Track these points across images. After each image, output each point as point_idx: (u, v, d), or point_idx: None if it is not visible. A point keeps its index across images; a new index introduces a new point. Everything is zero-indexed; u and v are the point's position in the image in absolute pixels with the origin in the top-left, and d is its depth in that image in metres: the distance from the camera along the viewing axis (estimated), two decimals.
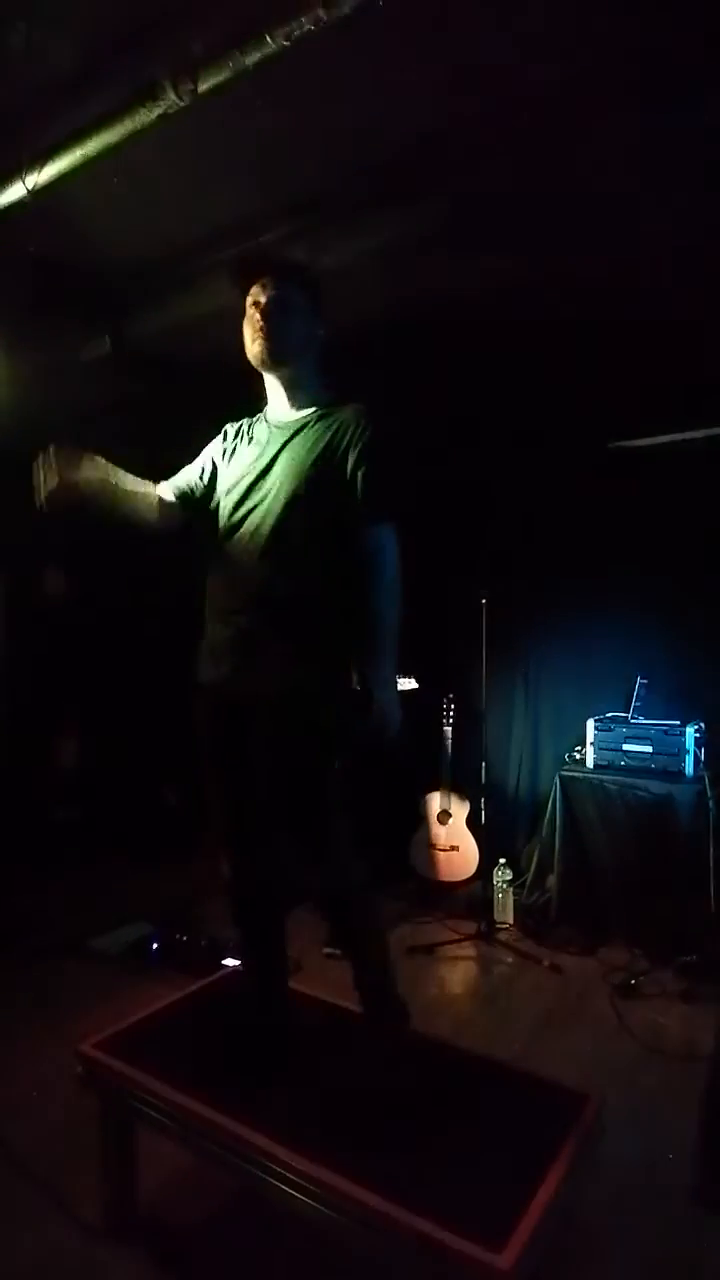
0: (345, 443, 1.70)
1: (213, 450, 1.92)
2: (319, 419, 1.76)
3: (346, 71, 2.07)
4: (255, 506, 1.73)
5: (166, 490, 1.91)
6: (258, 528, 1.71)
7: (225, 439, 1.91)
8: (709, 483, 3.36)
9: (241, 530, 1.74)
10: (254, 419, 1.90)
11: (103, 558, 4.68)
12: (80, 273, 3.07)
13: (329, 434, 1.72)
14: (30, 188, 2.18)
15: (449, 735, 3.71)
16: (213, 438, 1.99)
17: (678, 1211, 1.79)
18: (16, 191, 2.21)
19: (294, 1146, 1.42)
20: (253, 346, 1.76)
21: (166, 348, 3.43)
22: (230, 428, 1.93)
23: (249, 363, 1.88)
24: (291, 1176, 1.39)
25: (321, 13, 1.73)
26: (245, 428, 1.90)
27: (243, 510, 1.75)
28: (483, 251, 2.80)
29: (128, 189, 2.50)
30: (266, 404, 1.88)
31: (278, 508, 1.70)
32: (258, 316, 1.73)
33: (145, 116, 1.99)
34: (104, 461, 1.77)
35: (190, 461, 1.99)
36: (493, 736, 3.74)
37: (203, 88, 1.92)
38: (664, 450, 3.44)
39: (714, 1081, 2.24)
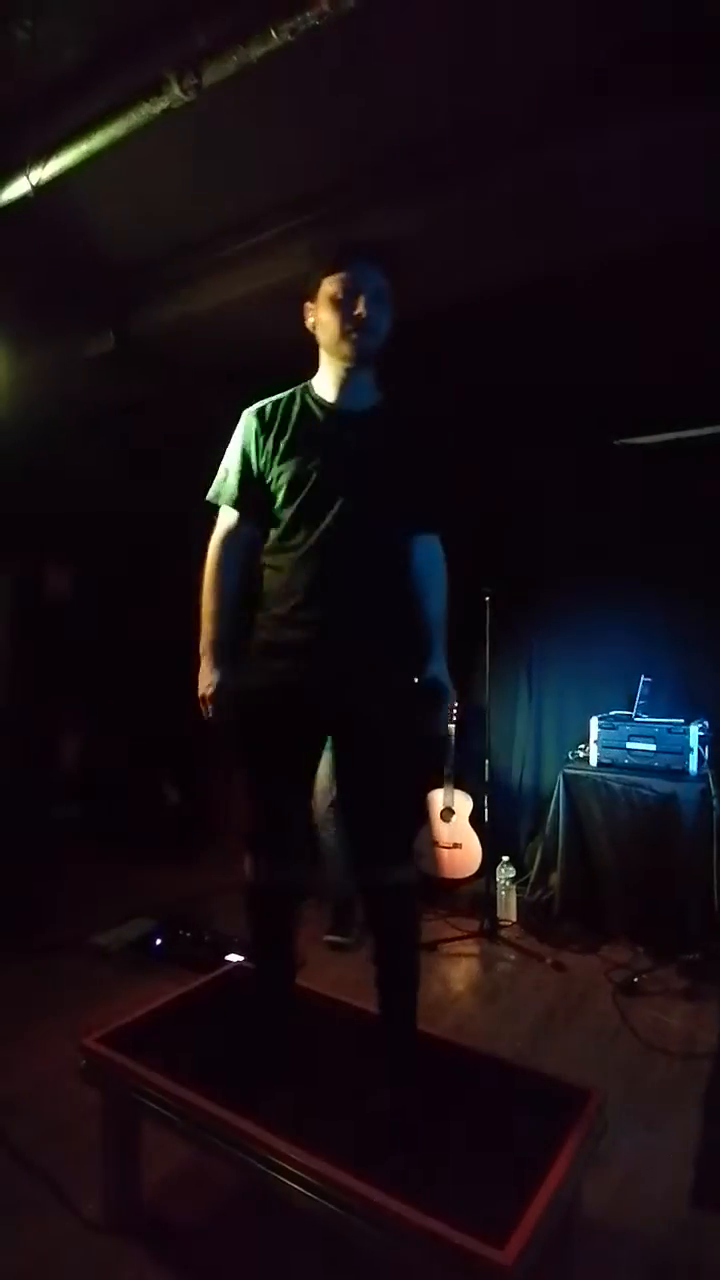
0: (420, 446, 1.71)
1: (252, 443, 1.74)
2: (388, 414, 1.72)
3: (351, 66, 2.07)
4: (340, 505, 1.64)
5: (238, 524, 1.78)
6: (342, 528, 1.64)
7: (261, 429, 1.73)
8: (715, 480, 3.35)
9: (318, 523, 1.64)
10: (285, 399, 1.76)
11: (105, 556, 4.69)
12: (83, 267, 3.07)
13: (404, 433, 1.71)
14: (35, 183, 2.18)
15: (452, 732, 3.71)
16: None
17: (679, 1210, 1.79)
18: (21, 187, 2.21)
19: (297, 1141, 1.42)
20: (345, 339, 1.64)
21: (171, 344, 3.42)
22: (264, 410, 1.75)
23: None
24: (294, 1171, 1.39)
25: (326, 7, 1.73)
26: (284, 411, 1.73)
27: (326, 506, 1.64)
28: (486, 249, 2.79)
29: (133, 184, 2.50)
30: (311, 383, 1.76)
31: (361, 502, 1.65)
32: (359, 307, 1.62)
33: (150, 111, 1.99)
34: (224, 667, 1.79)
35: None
36: (496, 734, 3.74)
37: (207, 82, 1.92)
38: (670, 447, 3.43)
39: (716, 1080, 2.24)
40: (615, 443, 3.54)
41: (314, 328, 1.73)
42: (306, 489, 1.66)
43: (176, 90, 1.93)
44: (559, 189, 2.40)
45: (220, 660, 1.77)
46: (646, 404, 3.48)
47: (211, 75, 1.91)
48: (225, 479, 1.78)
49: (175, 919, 3.24)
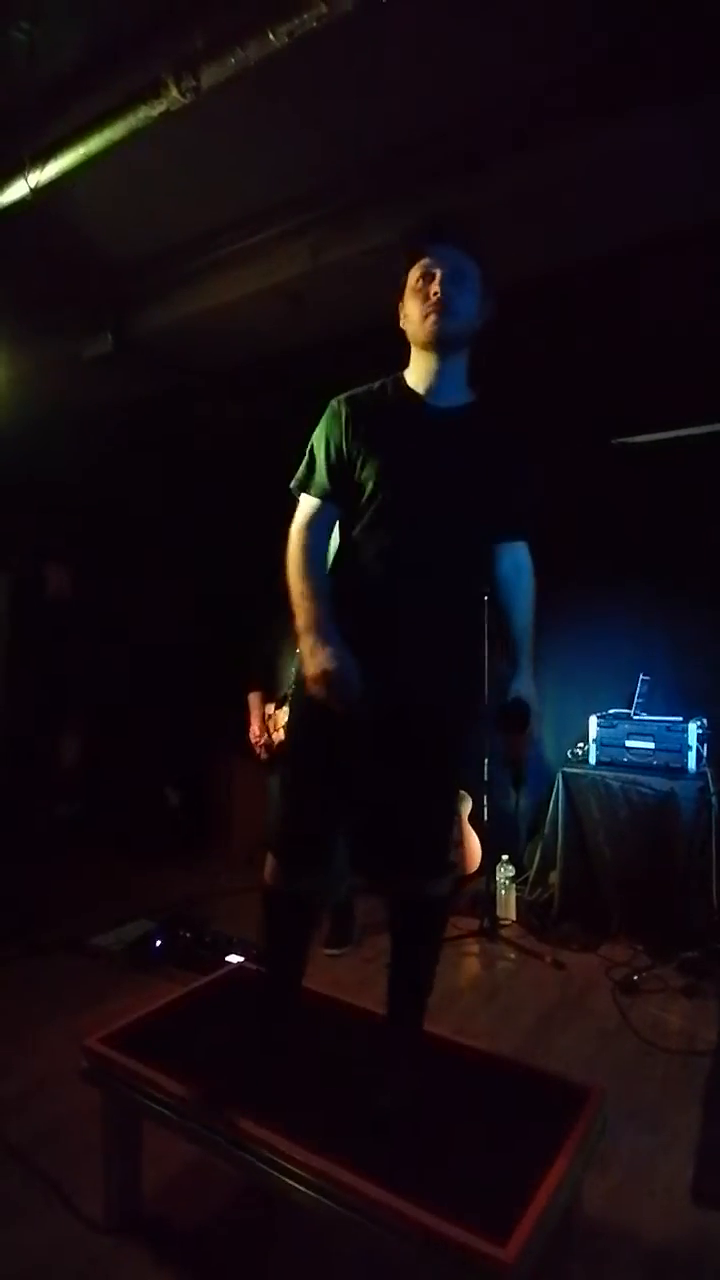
0: (515, 448, 1.67)
1: (341, 432, 1.63)
2: (483, 413, 1.65)
3: (348, 68, 2.08)
4: (424, 504, 1.58)
5: (324, 513, 1.67)
6: (442, 526, 1.58)
7: (351, 418, 1.63)
8: (713, 478, 3.36)
9: (403, 521, 1.58)
10: (377, 391, 1.67)
11: (107, 556, 4.69)
12: (82, 269, 3.07)
13: (497, 434, 1.66)
14: (33, 185, 2.18)
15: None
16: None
17: (680, 1207, 1.79)
18: (19, 189, 2.21)
19: (299, 1140, 1.43)
20: (423, 321, 1.56)
21: (169, 345, 3.43)
22: (350, 403, 1.66)
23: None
24: (296, 1170, 1.40)
25: (324, 9, 1.74)
26: (375, 402, 1.66)
27: (419, 503, 1.58)
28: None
29: (131, 186, 2.51)
30: (401, 376, 1.68)
31: (457, 501, 1.59)
32: (434, 289, 1.54)
33: (148, 114, 1.99)
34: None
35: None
36: (494, 733, 3.73)
37: (205, 84, 1.93)
38: (667, 446, 3.43)
39: (716, 1077, 2.25)
40: (613, 441, 3.55)
41: (404, 323, 1.64)
42: (395, 484, 1.59)
43: (175, 93, 1.94)
44: (555, 188, 2.41)
45: (331, 636, 1.54)
46: (644, 403, 3.49)
47: (210, 78, 1.92)
48: (313, 467, 1.67)
49: (176, 920, 3.24)
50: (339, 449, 1.63)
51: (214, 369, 3.57)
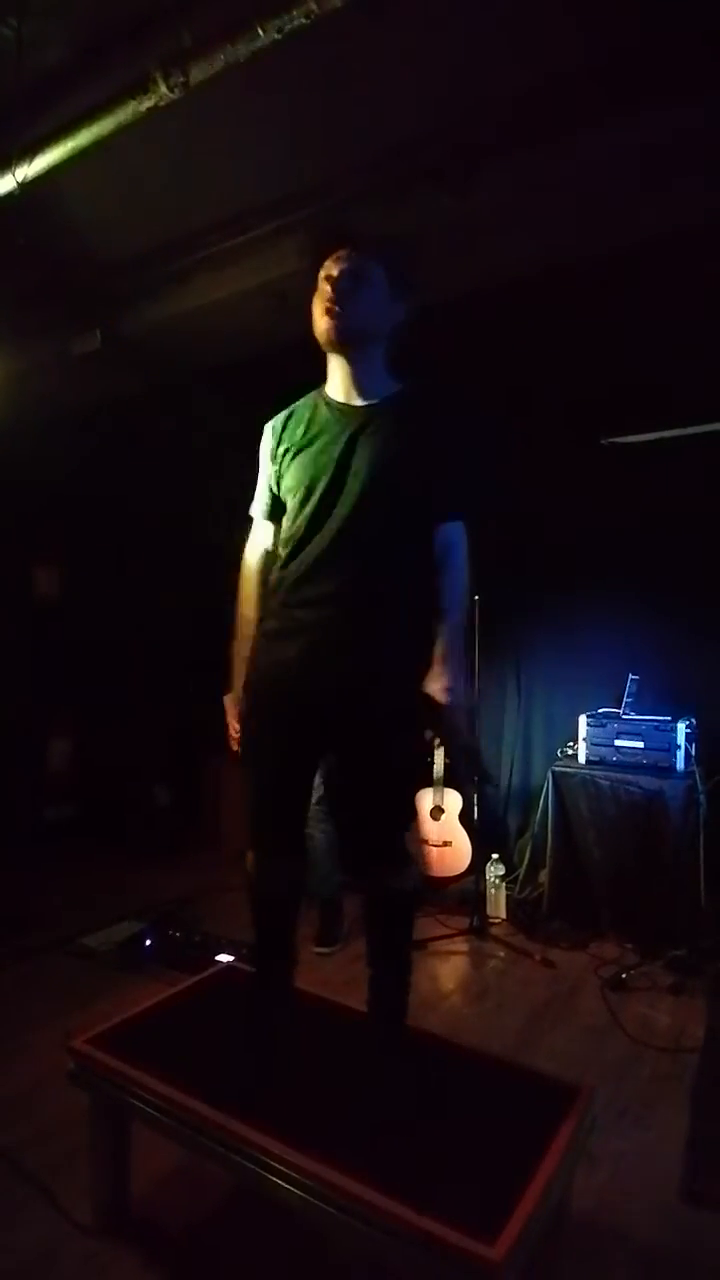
0: (427, 433, 1.63)
1: (268, 453, 1.78)
2: (395, 406, 1.66)
3: (339, 64, 2.07)
4: (332, 501, 1.62)
5: (267, 534, 1.81)
6: (336, 524, 1.62)
7: (275, 435, 1.76)
8: (701, 479, 3.37)
9: (317, 526, 1.63)
10: (304, 404, 1.76)
11: (95, 556, 4.67)
12: (71, 266, 3.06)
13: (408, 423, 1.63)
14: (20, 180, 2.17)
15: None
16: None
17: (668, 1204, 1.80)
18: (6, 184, 2.20)
19: (286, 1140, 1.42)
20: (319, 323, 1.62)
21: (159, 342, 3.41)
22: (277, 422, 1.77)
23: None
24: (284, 1170, 1.39)
25: (314, 6, 1.73)
26: (298, 417, 1.74)
27: (316, 506, 1.64)
28: (475, 248, 2.80)
29: (119, 182, 2.49)
30: (324, 386, 1.74)
31: (357, 502, 1.61)
32: (328, 290, 1.60)
33: (136, 109, 1.98)
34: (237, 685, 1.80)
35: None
36: (485, 732, 3.75)
37: (194, 80, 1.92)
38: (656, 446, 3.44)
39: (704, 1075, 2.26)
40: (602, 441, 3.56)
41: (314, 323, 1.68)
42: (309, 490, 1.65)
43: (163, 88, 1.93)
44: (548, 187, 2.41)
45: (238, 674, 1.76)
46: (632, 402, 3.50)
47: (198, 73, 1.91)
48: (258, 492, 1.81)
49: (165, 920, 3.23)
50: (268, 470, 1.76)
51: (204, 366, 3.56)
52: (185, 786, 4.70)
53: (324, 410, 1.70)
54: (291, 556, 1.67)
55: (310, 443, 1.68)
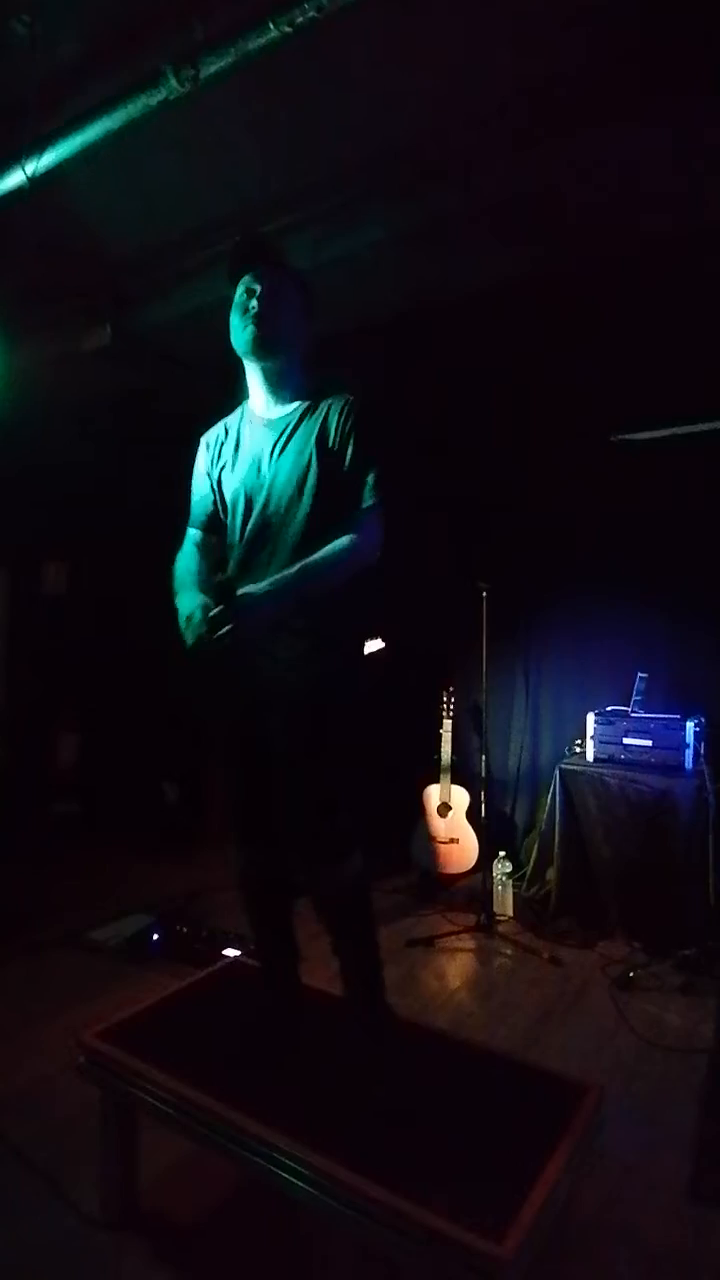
0: (335, 432, 1.68)
1: (203, 467, 1.87)
2: (307, 412, 1.73)
3: (349, 60, 2.06)
4: (261, 512, 1.70)
5: (195, 540, 1.89)
6: (267, 533, 1.69)
7: (208, 450, 1.86)
8: (711, 476, 3.35)
9: (251, 538, 1.71)
10: (230, 421, 1.86)
11: (104, 551, 4.68)
12: (81, 261, 3.06)
13: (319, 426, 1.69)
14: (30, 174, 2.17)
15: (449, 728, 3.71)
16: (209, 430, 1.94)
17: (676, 1204, 1.80)
18: (16, 179, 2.20)
19: (296, 1136, 1.43)
20: (242, 333, 1.71)
21: (169, 338, 3.41)
22: (209, 437, 1.87)
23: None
24: (293, 1165, 1.39)
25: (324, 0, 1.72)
26: (225, 433, 1.84)
27: (247, 517, 1.72)
28: (483, 244, 2.79)
29: (131, 177, 2.49)
30: (245, 401, 1.84)
31: (284, 511, 1.68)
32: (252, 303, 1.69)
33: (146, 103, 1.98)
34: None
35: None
36: (493, 729, 3.74)
37: (204, 74, 1.91)
38: (666, 443, 3.43)
39: (713, 1075, 2.25)
40: (612, 439, 3.54)
41: (232, 337, 1.76)
42: (236, 504, 1.75)
43: (174, 82, 1.92)
44: (554, 187, 2.39)
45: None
46: (644, 400, 3.48)
47: (209, 68, 1.90)
48: (191, 501, 1.91)
49: (173, 915, 3.24)
50: (197, 482, 1.88)
51: (213, 362, 3.56)
52: (192, 782, 4.71)
53: (246, 425, 1.81)
54: (233, 568, 1.76)
55: (236, 458, 1.79)
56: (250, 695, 1.72)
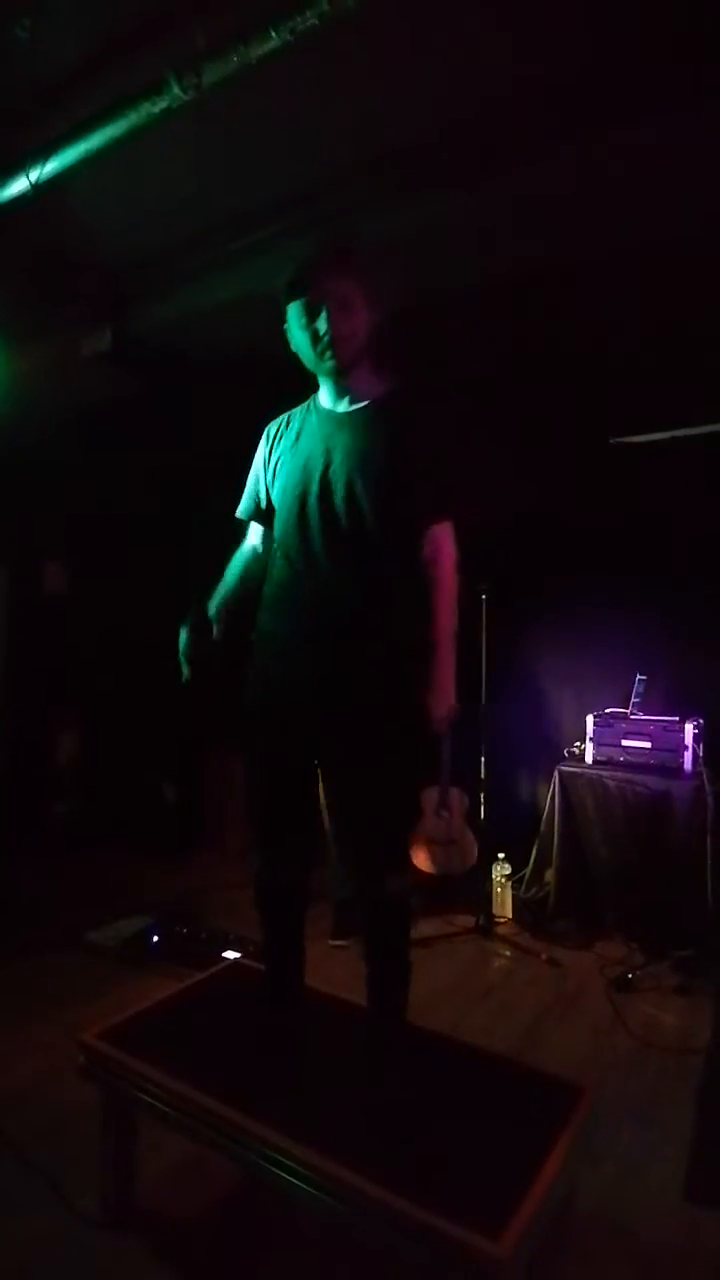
0: (408, 434, 1.64)
1: (262, 455, 1.84)
2: (378, 409, 1.68)
3: (351, 65, 2.07)
4: (318, 503, 1.65)
5: (255, 534, 1.90)
6: (321, 525, 1.64)
7: (269, 440, 1.84)
8: (709, 478, 3.37)
9: (304, 530, 1.66)
10: (299, 411, 1.82)
11: (104, 553, 4.69)
12: (82, 267, 3.07)
13: (390, 425, 1.65)
14: (33, 181, 2.18)
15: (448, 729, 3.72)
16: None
17: (672, 1204, 1.81)
18: (20, 185, 2.21)
19: (295, 1135, 1.44)
20: (319, 362, 1.67)
21: (169, 342, 3.42)
22: (272, 426, 1.85)
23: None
24: (292, 1165, 1.40)
25: (327, 7, 1.73)
26: (289, 422, 1.81)
27: (300, 510, 1.67)
28: (484, 247, 2.80)
29: (132, 183, 2.50)
30: (316, 393, 1.80)
31: (337, 505, 1.63)
32: (322, 323, 1.63)
33: (150, 110, 1.99)
34: (210, 620, 1.82)
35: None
36: (492, 731, 3.75)
37: (207, 81, 1.92)
38: (665, 446, 3.44)
39: (709, 1076, 2.26)
40: (611, 441, 3.55)
41: (295, 349, 1.74)
42: (293, 495, 1.70)
43: (176, 89, 1.93)
44: (556, 189, 2.40)
45: (199, 617, 1.81)
46: (642, 402, 3.49)
47: (211, 74, 1.91)
48: (245, 494, 1.88)
49: (172, 916, 3.25)
50: (258, 474, 1.84)
51: (213, 366, 3.57)
52: (192, 782, 4.71)
53: (312, 417, 1.77)
54: (280, 559, 1.72)
55: (297, 449, 1.74)
56: (298, 699, 1.65)
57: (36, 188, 2.17)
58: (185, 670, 1.80)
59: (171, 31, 1.94)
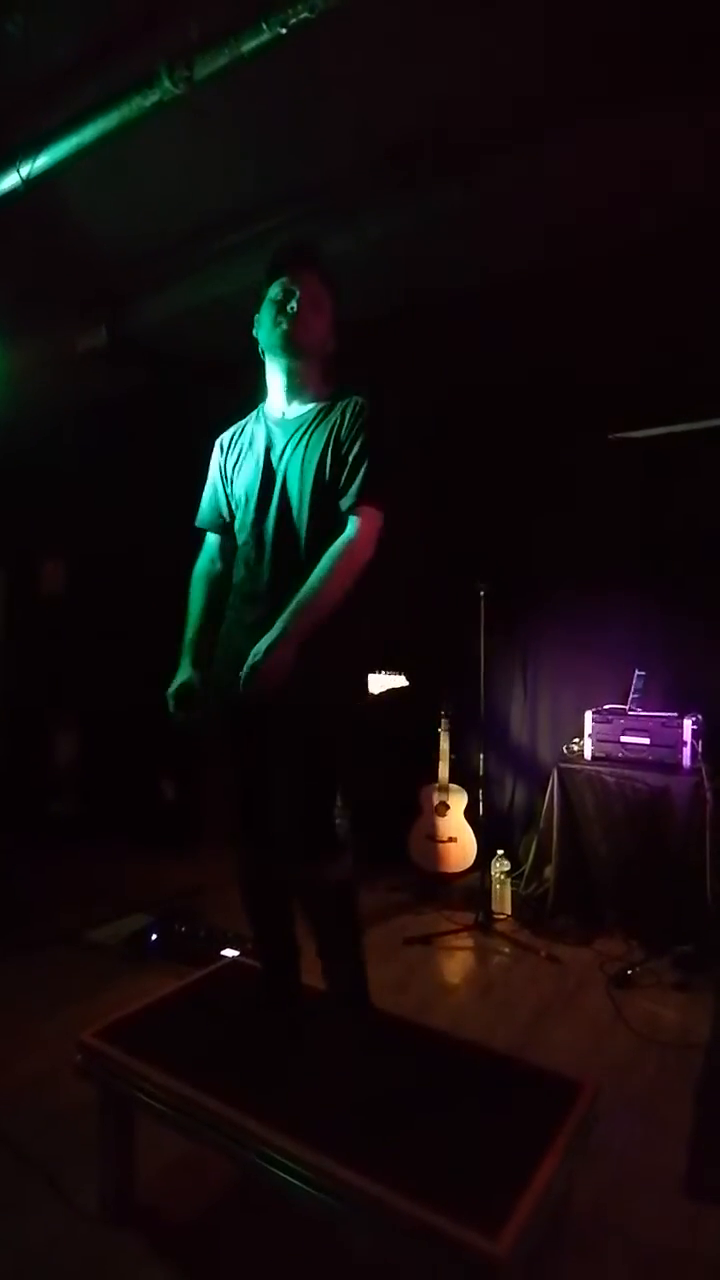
0: (344, 435, 1.69)
1: (218, 465, 1.91)
2: (321, 414, 1.75)
3: (344, 59, 2.06)
4: (269, 513, 1.73)
5: (212, 544, 1.95)
6: (274, 534, 1.71)
7: (223, 451, 1.90)
8: (709, 475, 3.36)
9: (258, 539, 1.74)
10: (247, 422, 1.89)
11: (102, 552, 4.68)
12: (76, 263, 3.05)
13: (330, 428, 1.71)
14: (25, 176, 2.17)
15: (446, 727, 3.72)
16: (209, 434, 1.97)
17: (671, 1199, 1.80)
18: (11, 180, 2.20)
19: (293, 1134, 1.43)
20: (274, 330, 1.74)
21: (165, 339, 3.41)
22: (224, 438, 1.92)
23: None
24: (290, 1164, 1.40)
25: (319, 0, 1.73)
26: (239, 434, 1.88)
27: (257, 517, 1.75)
28: (482, 243, 2.79)
29: (125, 178, 2.49)
30: (262, 402, 1.87)
31: (292, 511, 1.71)
32: (291, 304, 1.72)
33: (141, 104, 1.98)
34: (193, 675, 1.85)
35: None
36: (491, 728, 3.74)
37: (199, 75, 1.91)
38: (665, 442, 3.43)
39: (708, 1071, 2.26)
40: (611, 437, 3.54)
41: (256, 331, 1.81)
42: (245, 503, 1.78)
43: (167, 83, 1.92)
44: (551, 184, 2.39)
45: (185, 660, 1.87)
46: (641, 398, 3.48)
47: (203, 68, 1.90)
48: (202, 503, 1.95)
49: (171, 914, 3.24)
50: (213, 486, 1.91)
51: (210, 363, 3.56)
52: (190, 781, 4.71)
53: (261, 426, 1.83)
54: (239, 565, 1.80)
55: (247, 458, 1.82)
56: (243, 698, 1.69)
57: (28, 182, 2.16)
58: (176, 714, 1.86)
59: (163, 25, 1.93)
